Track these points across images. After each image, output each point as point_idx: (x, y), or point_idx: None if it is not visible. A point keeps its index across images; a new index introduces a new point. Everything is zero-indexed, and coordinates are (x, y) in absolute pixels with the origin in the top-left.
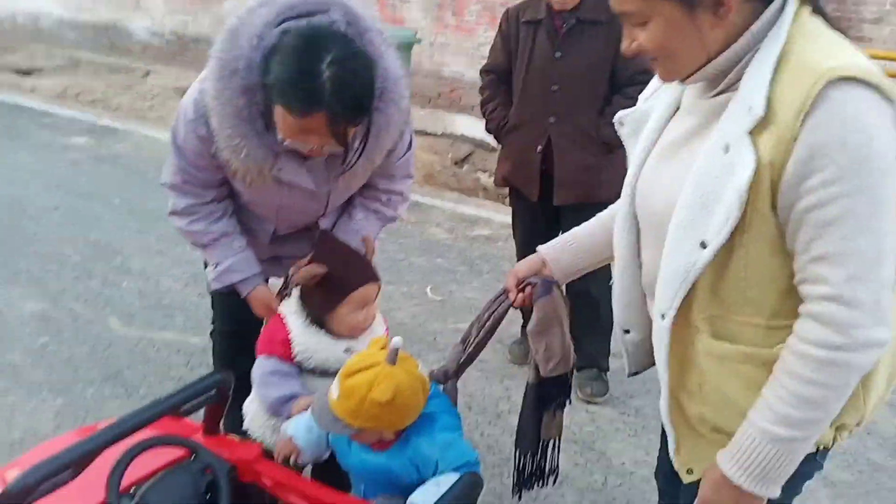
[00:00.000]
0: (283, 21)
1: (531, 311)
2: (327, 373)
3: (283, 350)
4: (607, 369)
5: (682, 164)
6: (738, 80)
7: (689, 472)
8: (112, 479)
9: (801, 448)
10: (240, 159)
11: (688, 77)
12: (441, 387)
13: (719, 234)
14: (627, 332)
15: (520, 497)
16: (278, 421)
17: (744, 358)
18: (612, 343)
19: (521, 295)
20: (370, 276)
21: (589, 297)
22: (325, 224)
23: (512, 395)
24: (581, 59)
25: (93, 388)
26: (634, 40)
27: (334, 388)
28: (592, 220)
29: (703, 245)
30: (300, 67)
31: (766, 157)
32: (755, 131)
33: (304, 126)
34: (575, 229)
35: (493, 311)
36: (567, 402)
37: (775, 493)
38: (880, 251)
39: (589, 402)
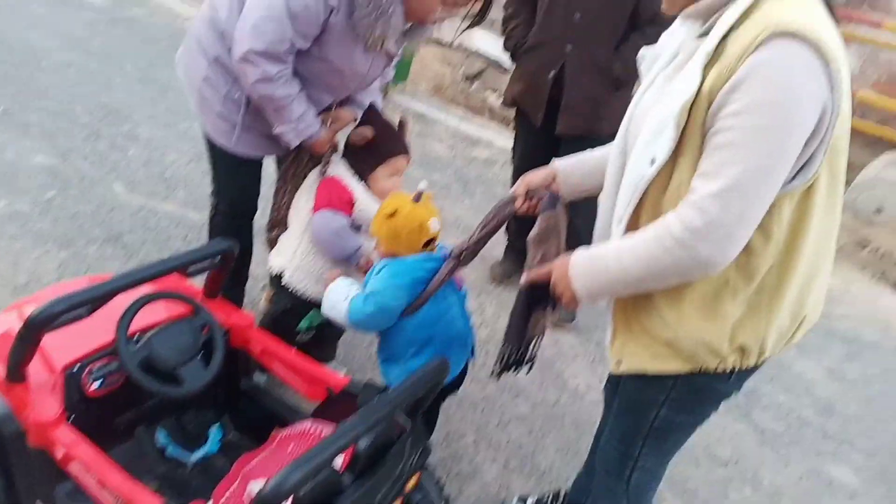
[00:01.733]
0: None
1: (517, 230)
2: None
3: (349, 209)
4: None
5: (660, 95)
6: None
7: (619, 363)
8: (122, 323)
9: (615, 284)
10: (388, 25)
11: (682, 9)
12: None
13: (662, 152)
14: None
15: (498, 378)
16: (324, 270)
17: None
18: None
19: (527, 203)
20: (406, 148)
21: (571, 226)
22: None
23: (485, 309)
24: None
25: (95, 246)
26: None
27: None
28: (604, 147)
29: (652, 161)
30: None
31: (707, 85)
32: (707, 66)
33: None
34: (588, 152)
35: (498, 214)
36: (553, 306)
37: (583, 297)
38: (748, 185)
39: (555, 326)
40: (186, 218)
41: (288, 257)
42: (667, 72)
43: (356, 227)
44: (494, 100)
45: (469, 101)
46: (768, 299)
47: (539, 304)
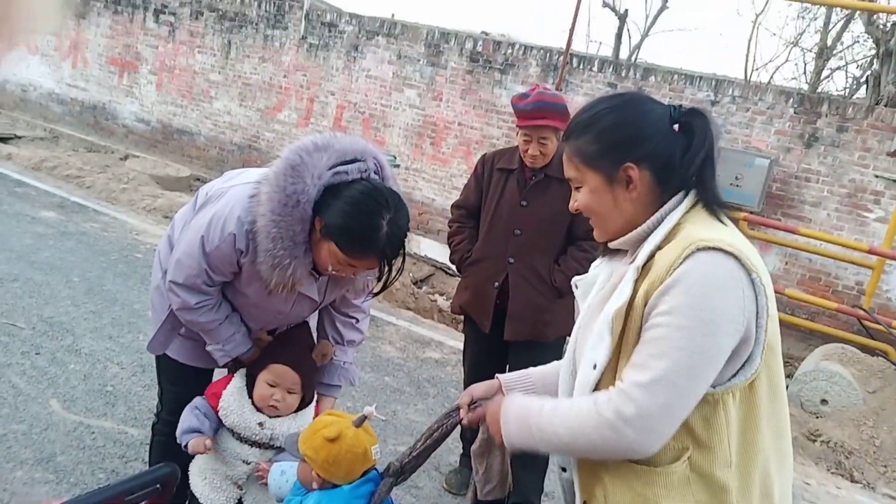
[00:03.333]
0: (336, 165)
1: (474, 437)
2: (240, 437)
3: (214, 401)
4: None
5: (598, 315)
6: None
7: None
8: None
9: (536, 440)
10: (285, 275)
11: (613, 239)
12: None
13: (601, 357)
14: (564, 470)
15: None
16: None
17: (636, 474)
18: (546, 482)
19: (471, 414)
20: (293, 361)
21: None
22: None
23: None
24: (544, 209)
25: (22, 471)
26: (576, 201)
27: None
28: (550, 364)
29: (594, 366)
30: (364, 220)
31: (640, 294)
32: (638, 280)
33: (351, 262)
34: (533, 368)
35: (443, 425)
36: None
37: (507, 442)
38: (675, 379)
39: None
40: (125, 434)
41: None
42: (602, 293)
43: (225, 427)
44: (443, 302)
45: (418, 304)
46: (739, 498)
47: None
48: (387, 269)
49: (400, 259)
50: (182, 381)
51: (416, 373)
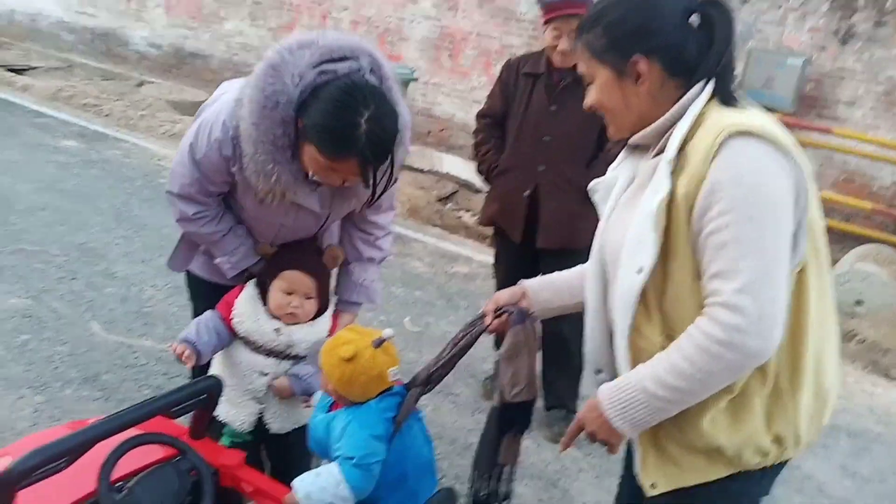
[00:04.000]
0: (321, 63)
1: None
2: (255, 347)
3: (226, 310)
4: (575, 410)
5: (630, 214)
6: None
7: (653, 486)
8: (103, 472)
9: (661, 407)
10: (269, 182)
11: (629, 136)
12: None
13: (647, 259)
14: (599, 371)
15: None
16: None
17: None
18: (581, 386)
19: (497, 320)
20: (305, 266)
21: (561, 338)
22: (323, 244)
23: (482, 427)
24: (574, 114)
25: (71, 389)
26: (590, 97)
27: None
28: (575, 267)
29: (639, 270)
30: (341, 117)
31: (681, 191)
32: (674, 174)
33: (332, 166)
34: (561, 272)
35: (468, 332)
36: (526, 430)
37: (628, 432)
38: (766, 272)
39: (556, 442)
40: (167, 353)
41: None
42: (627, 194)
43: (238, 336)
44: (468, 218)
45: (444, 221)
46: (788, 383)
47: (511, 427)
48: (372, 174)
49: (388, 164)
50: (208, 298)
51: (446, 287)
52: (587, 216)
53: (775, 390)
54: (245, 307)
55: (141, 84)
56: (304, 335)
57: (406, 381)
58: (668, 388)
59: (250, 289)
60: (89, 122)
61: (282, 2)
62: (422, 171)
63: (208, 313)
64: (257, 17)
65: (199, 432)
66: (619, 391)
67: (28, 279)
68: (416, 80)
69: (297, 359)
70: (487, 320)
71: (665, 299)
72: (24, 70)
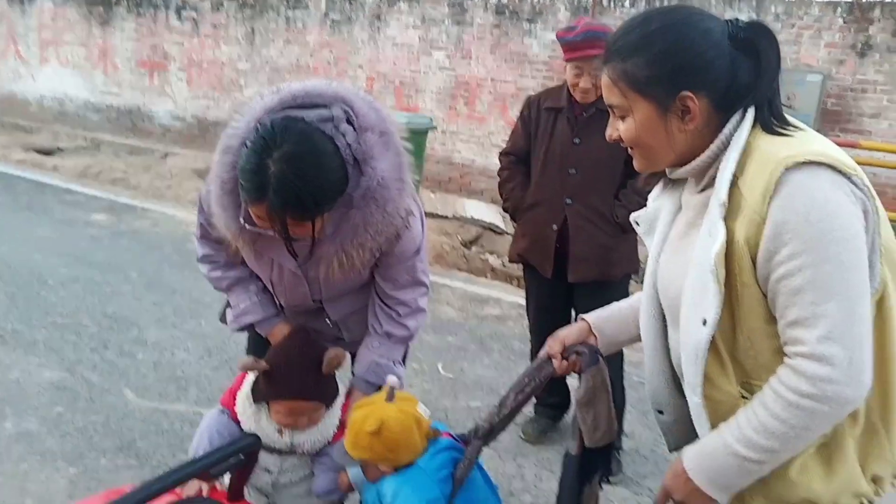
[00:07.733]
0: (284, 109)
1: (547, 388)
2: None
3: (232, 401)
4: (620, 448)
5: (685, 254)
6: (715, 177)
7: None
8: None
9: (754, 469)
10: (220, 227)
11: (656, 170)
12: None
13: (711, 311)
14: (661, 412)
15: None
16: None
17: None
18: (624, 423)
19: (565, 363)
20: (303, 392)
21: None
22: (334, 315)
23: (525, 473)
24: (598, 145)
25: (106, 458)
26: (616, 130)
27: None
28: (628, 299)
29: (704, 322)
30: (254, 159)
31: (740, 236)
32: (729, 216)
33: (254, 211)
34: (617, 303)
35: (534, 378)
36: (610, 474)
37: (721, 499)
38: (850, 312)
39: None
40: (200, 416)
41: None
42: (677, 229)
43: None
44: (494, 260)
45: (470, 265)
46: (880, 420)
47: (592, 473)
48: (281, 222)
49: (303, 215)
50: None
51: (478, 330)
52: (618, 248)
53: (868, 428)
54: (245, 407)
55: (166, 156)
56: (309, 435)
57: (446, 427)
58: (760, 450)
59: (249, 385)
60: (118, 196)
61: (298, 66)
62: (445, 217)
63: (215, 415)
64: (275, 82)
65: (238, 493)
66: (706, 458)
67: (61, 351)
68: (434, 128)
69: (303, 455)
70: (556, 363)
71: (737, 348)
72: (52, 152)
